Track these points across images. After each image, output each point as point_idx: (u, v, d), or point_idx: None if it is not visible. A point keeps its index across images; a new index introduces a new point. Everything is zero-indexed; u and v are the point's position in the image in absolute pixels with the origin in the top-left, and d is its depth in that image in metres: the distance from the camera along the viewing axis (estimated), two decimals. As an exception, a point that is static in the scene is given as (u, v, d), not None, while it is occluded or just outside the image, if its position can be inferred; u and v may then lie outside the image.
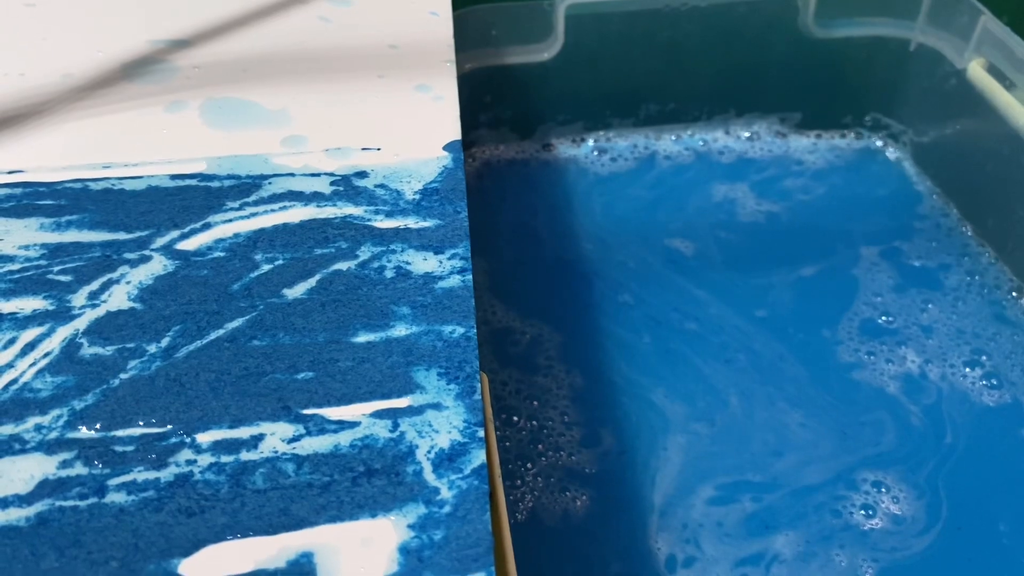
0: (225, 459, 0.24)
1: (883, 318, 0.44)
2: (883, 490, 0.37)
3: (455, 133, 0.36)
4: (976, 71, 0.47)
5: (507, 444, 0.39)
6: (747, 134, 0.54)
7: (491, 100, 0.51)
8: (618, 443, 0.39)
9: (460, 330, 0.28)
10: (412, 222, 0.32)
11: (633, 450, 0.39)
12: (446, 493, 0.24)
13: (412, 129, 0.36)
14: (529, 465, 0.38)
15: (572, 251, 0.48)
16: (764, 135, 0.54)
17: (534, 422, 0.40)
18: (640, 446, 0.39)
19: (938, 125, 0.51)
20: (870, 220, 0.49)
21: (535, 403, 0.41)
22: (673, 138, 0.53)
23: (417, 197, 0.33)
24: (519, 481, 0.38)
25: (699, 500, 0.37)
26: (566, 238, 0.49)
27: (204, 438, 0.25)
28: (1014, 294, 0.45)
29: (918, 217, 0.49)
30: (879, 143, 0.54)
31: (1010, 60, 0.45)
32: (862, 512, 0.36)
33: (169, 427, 0.25)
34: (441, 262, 0.30)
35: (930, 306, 0.44)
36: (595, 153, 0.53)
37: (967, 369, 0.41)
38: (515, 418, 0.40)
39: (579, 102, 0.52)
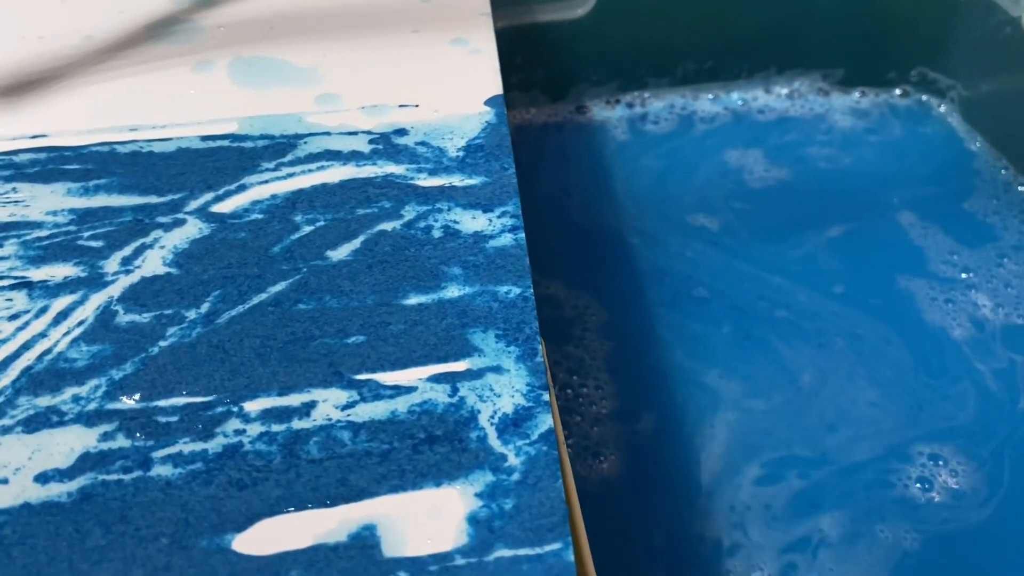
0: (276, 428, 0.23)
1: (963, 275, 0.42)
2: (941, 463, 0.35)
3: (496, 87, 0.34)
4: (1032, 19, 0.45)
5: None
6: (787, 92, 0.52)
7: (522, 61, 0.49)
8: (664, 416, 0.37)
9: (516, 290, 0.26)
10: (457, 180, 0.30)
11: (680, 423, 0.37)
12: (513, 460, 0.22)
13: (451, 84, 0.34)
14: (565, 433, 0.37)
15: (608, 218, 0.46)
16: (805, 93, 0.52)
17: (569, 390, 0.38)
18: (687, 420, 0.37)
19: (989, 78, 0.49)
20: (922, 178, 0.47)
21: (575, 377, 0.39)
22: (711, 97, 0.51)
23: (461, 154, 0.31)
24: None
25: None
26: (601, 205, 0.47)
27: (252, 407, 0.23)
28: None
29: (972, 173, 0.47)
30: (926, 99, 0.52)
31: (1069, 6, 0.43)
32: (917, 486, 0.35)
33: (214, 396, 0.24)
34: (491, 220, 0.29)
35: (1005, 260, 0.42)
36: (630, 115, 0.51)
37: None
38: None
39: (614, 61, 0.50)
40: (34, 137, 0.32)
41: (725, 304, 0.42)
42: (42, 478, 0.22)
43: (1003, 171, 0.47)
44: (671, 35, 0.50)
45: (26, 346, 0.25)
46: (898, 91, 0.52)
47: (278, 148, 0.31)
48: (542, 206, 0.47)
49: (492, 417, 0.23)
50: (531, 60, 0.49)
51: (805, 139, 0.50)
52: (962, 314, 0.40)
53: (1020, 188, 0.46)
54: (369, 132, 0.32)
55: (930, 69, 0.52)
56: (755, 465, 0.36)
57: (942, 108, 0.52)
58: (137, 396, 0.24)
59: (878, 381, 0.38)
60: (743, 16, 0.49)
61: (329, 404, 0.23)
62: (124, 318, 0.26)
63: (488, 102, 0.33)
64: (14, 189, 0.30)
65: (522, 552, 0.20)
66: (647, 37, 0.49)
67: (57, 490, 0.22)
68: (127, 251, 0.28)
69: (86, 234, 0.28)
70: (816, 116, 0.51)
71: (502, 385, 0.24)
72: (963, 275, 0.42)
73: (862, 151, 0.49)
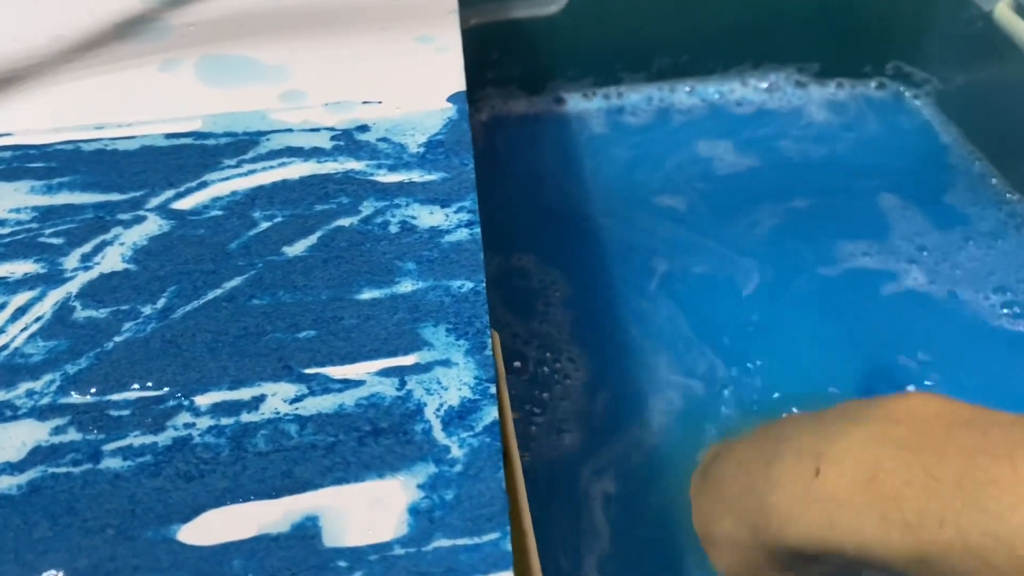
0: (225, 421, 0.23)
1: (923, 255, 0.42)
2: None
3: (460, 84, 0.34)
4: (1003, 12, 0.45)
5: (513, 392, 0.38)
6: (764, 85, 0.52)
7: (498, 57, 0.50)
8: (624, 390, 0.38)
9: (469, 284, 0.27)
10: (417, 176, 0.30)
11: (639, 396, 0.38)
12: (457, 451, 0.23)
13: (415, 81, 0.34)
14: (537, 410, 0.37)
15: (585, 206, 0.46)
16: (783, 85, 0.52)
17: (544, 368, 0.39)
18: (646, 392, 0.38)
19: (963, 71, 0.49)
20: (896, 168, 0.48)
21: (547, 353, 0.40)
22: (687, 91, 0.52)
23: (421, 150, 0.31)
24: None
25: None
26: (578, 194, 0.47)
27: (203, 400, 0.24)
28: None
29: (947, 165, 0.48)
30: (902, 92, 0.52)
31: (1040, -1, 0.43)
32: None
33: (166, 390, 0.24)
34: (448, 216, 0.29)
35: (970, 245, 0.43)
36: (607, 107, 0.51)
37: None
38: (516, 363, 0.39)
39: (589, 57, 0.50)
40: (0, 136, 0.32)
41: (688, 280, 0.42)
42: (-6, 471, 0.22)
43: (976, 163, 0.47)
44: (645, 30, 0.50)
45: (-16, 342, 0.25)
46: (874, 84, 0.52)
47: (240, 145, 0.32)
48: (517, 191, 0.47)
49: (438, 410, 0.24)
50: (507, 56, 0.50)
51: (779, 131, 0.50)
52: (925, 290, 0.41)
53: (993, 180, 0.46)
54: (332, 129, 0.32)
55: (905, 63, 0.52)
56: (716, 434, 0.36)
57: (918, 101, 0.52)
58: (92, 390, 0.24)
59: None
60: (717, 11, 0.49)
61: (278, 398, 0.24)
62: (81, 314, 0.26)
63: (451, 99, 0.33)
64: (-21, 187, 0.30)
65: (460, 542, 0.21)
66: (621, 33, 0.50)
67: (7, 483, 0.22)
68: (87, 248, 0.28)
69: (48, 231, 0.29)
70: (793, 108, 0.51)
71: (450, 378, 0.24)
72: (924, 256, 0.42)
73: (837, 142, 0.50)
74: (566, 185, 0.47)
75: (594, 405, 0.38)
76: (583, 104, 0.51)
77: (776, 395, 0.37)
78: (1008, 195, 0.45)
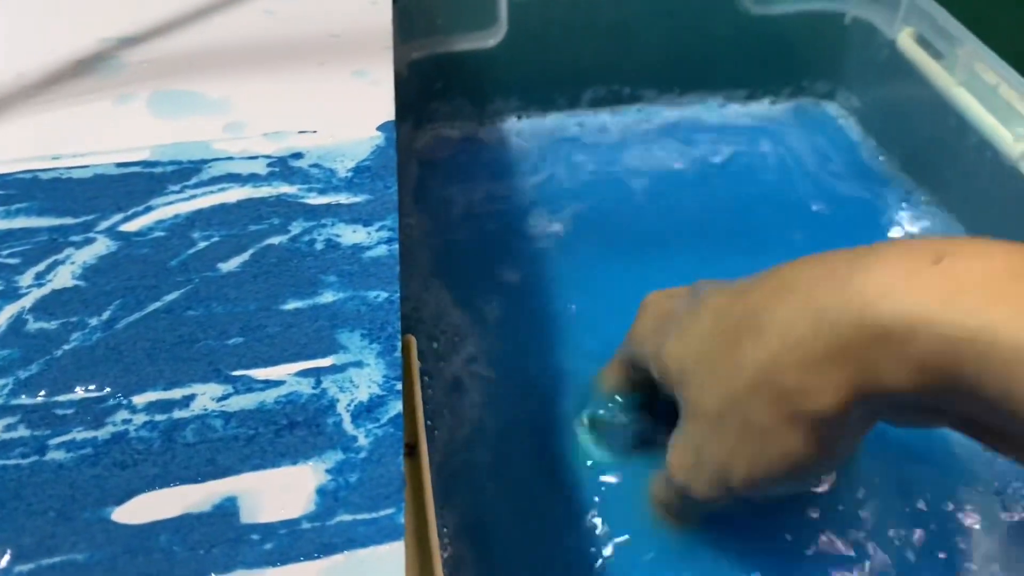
0: (158, 417, 0.26)
1: None
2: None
3: (389, 114, 0.37)
4: (906, 42, 0.49)
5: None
6: (694, 110, 0.55)
7: (441, 87, 0.53)
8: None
9: (384, 294, 0.30)
10: (344, 198, 0.34)
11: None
12: (363, 440, 0.26)
13: (348, 112, 0.37)
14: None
15: (523, 231, 0.49)
16: (711, 110, 0.55)
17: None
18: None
19: (876, 93, 0.53)
20: (825, 182, 0.51)
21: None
22: (622, 118, 0.55)
23: (349, 175, 0.34)
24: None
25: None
26: (514, 218, 0.50)
27: (140, 400, 0.27)
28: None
29: (863, 175, 0.51)
30: (824, 111, 0.56)
31: (936, 30, 0.47)
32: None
33: (107, 391, 0.27)
34: (369, 233, 0.32)
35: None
36: (544, 135, 0.54)
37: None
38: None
39: (527, 86, 0.54)
40: (-36, 167, 0.35)
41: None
42: (-50, 465, 0.25)
43: (891, 173, 0.51)
44: (579, 61, 0.53)
45: (-56, 352, 0.28)
46: (798, 103, 0.56)
47: (184, 172, 0.35)
48: (455, 222, 0.50)
49: (349, 405, 0.26)
50: (449, 87, 0.53)
51: (716, 149, 0.54)
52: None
53: (909, 189, 0.50)
54: (268, 156, 0.35)
55: (825, 84, 0.55)
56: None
57: (840, 120, 0.55)
58: (41, 393, 0.27)
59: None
60: (647, 42, 0.53)
61: (207, 396, 0.27)
62: (34, 325, 0.29)
63: (380, 127, 0.37)
64: (-56, 214, 0.33)
65: (360, 516, 0.24)
66: (557, 64, 0.53)
67: (-37, 474, 0.25)
68: (41, 267, 0.31)
69: (4, 253, 0.32)
70: (723, 128, 0.55)
71: (361, 377, 0.27)
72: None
73: (771, 159, 0.53)
74: (503, 202, 0.50)
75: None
76: (522, 134, 0.55)
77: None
78: (923, 202, 0.49)
